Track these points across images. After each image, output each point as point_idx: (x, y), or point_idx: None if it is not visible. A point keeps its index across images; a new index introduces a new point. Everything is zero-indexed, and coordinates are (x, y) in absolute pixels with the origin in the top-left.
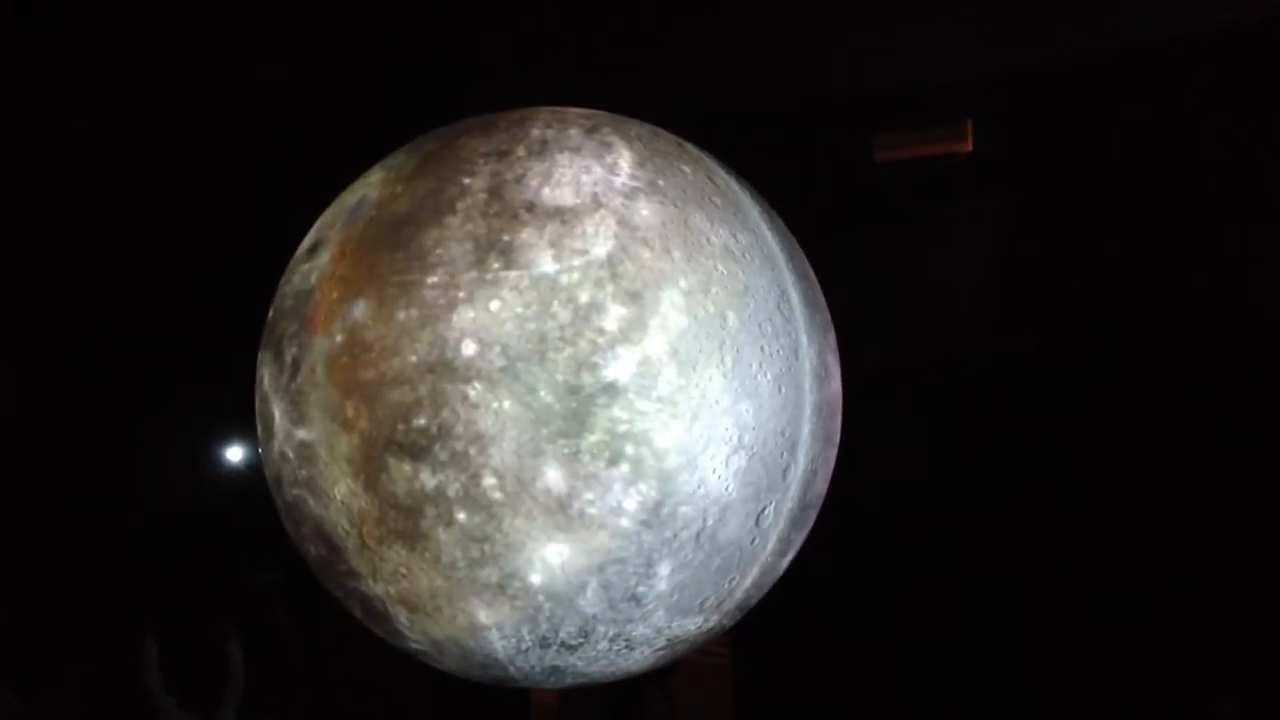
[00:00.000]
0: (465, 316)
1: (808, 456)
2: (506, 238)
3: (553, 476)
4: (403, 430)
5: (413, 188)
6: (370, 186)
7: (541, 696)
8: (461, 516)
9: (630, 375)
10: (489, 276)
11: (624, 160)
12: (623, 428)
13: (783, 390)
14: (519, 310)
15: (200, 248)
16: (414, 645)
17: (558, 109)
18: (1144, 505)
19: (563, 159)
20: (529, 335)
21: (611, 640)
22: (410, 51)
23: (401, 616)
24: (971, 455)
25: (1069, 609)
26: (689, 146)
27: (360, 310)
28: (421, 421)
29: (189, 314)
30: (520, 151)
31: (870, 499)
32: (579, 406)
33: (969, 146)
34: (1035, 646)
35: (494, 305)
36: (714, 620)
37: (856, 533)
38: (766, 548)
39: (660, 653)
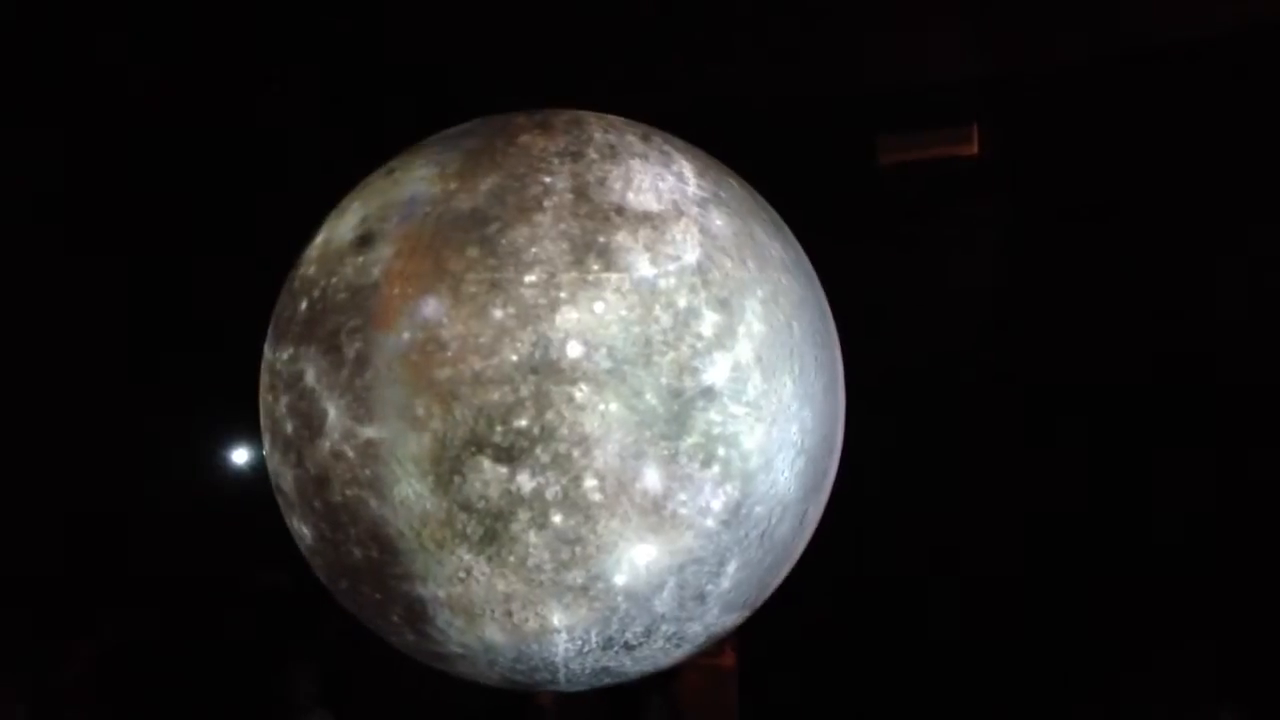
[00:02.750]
0: (569, 317)
1: (836, 461)
2: (602, 239)
3: (651, 478)
4: (500, 431)
5: (474, 184)
6: (417, 181)
7: (540, 699)
8: (557, 519)
9: (725, 380)
10: (590, 278)
11: (687, 170)
12: (717, 430)
13: (828, 397)
14: (623, 313)
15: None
16: (451, 649)
17: (582, 112)
18: (1148, 506)
19: (635, 165)
20: (634, 338)
21: (668, 639)
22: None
23: (448, 620)
24: (977, 459)
25: (1073, 611)
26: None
27: (433, 307)
28: (523, 423)
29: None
30: (592, 154)
31: (875, 504)
32: (680, 409)
33: (974, 149)
34: (1039, 648)
35: (598, 307)
36: (744, 617)
37: (861, 537)
38: (801, 547)
39: (693, 650)
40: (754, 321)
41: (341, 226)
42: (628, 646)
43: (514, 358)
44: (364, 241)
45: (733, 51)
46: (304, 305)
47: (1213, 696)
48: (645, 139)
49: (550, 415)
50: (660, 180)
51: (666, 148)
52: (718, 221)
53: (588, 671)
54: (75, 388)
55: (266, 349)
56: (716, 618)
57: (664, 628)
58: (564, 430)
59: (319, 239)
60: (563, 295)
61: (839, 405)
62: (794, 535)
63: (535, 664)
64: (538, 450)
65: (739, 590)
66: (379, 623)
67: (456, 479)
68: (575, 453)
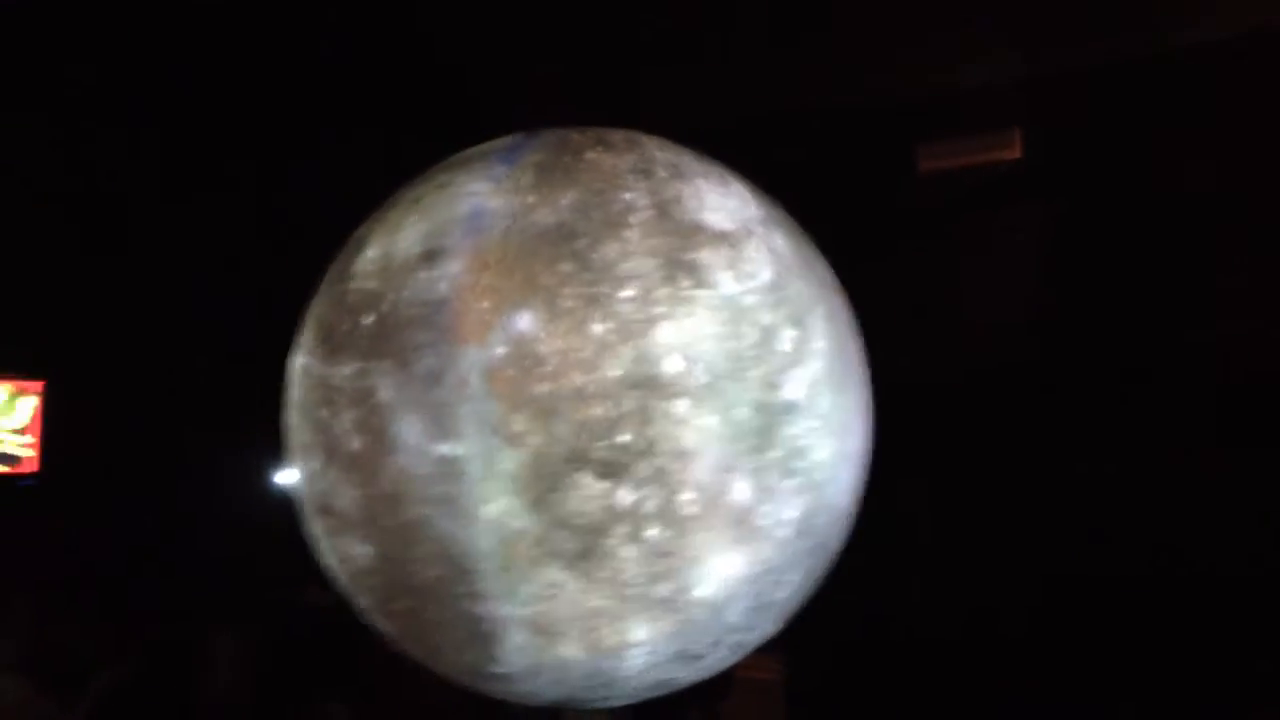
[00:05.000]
0: (667, 333)
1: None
2: (689, 256)
3: (740, 490)
4: (602, 447)
5: (552, 199)
6: (479, 195)
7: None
8: (652, 533)
9: (803, 394)
10: (683, 294)
11: (744, 190)
12: (798, 443)
13: (867, 412)
14: (716, 329)
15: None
16: (515, 670)
17: (631, 132)
18: (1190, 515)
19: (703, 184)
20: (727, 353)
21: (730, 649)
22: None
23: (520, 640)
24: (1022, 467)
25: (1121, 629)
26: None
27: (526, 321)
28: (625, 437)
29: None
30: (661, 172)
31: (921, 515)
32: (767, 423)
33: (1017, 153)
34: (1087, 671)
35: (692, 323)
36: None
37: (911, 549)
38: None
39: (734, 661)
40: (821, 339)
41: (400, 240)
42: (694, 658)
43: (616, 373)
44: (431, 256)
45: (769, 62)
46: (369, 320)
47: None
48: (699, 159)
49: (651, 430)
50: (727, 200)
51: (718, 168)
52: (779, 242)
53: (647, 685)
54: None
55: (314, 363)
56: (770, 628)
57: (730, 638)
58: (664, 445)
59: (371, 252)
60: (659, 311)
61: (870, 422)
62: (837, 545)
63: (603, 680)
64: (639, 465)
65: (792, 600)
66: (430, 646)
67: (554, 495)
68: (674, 466)
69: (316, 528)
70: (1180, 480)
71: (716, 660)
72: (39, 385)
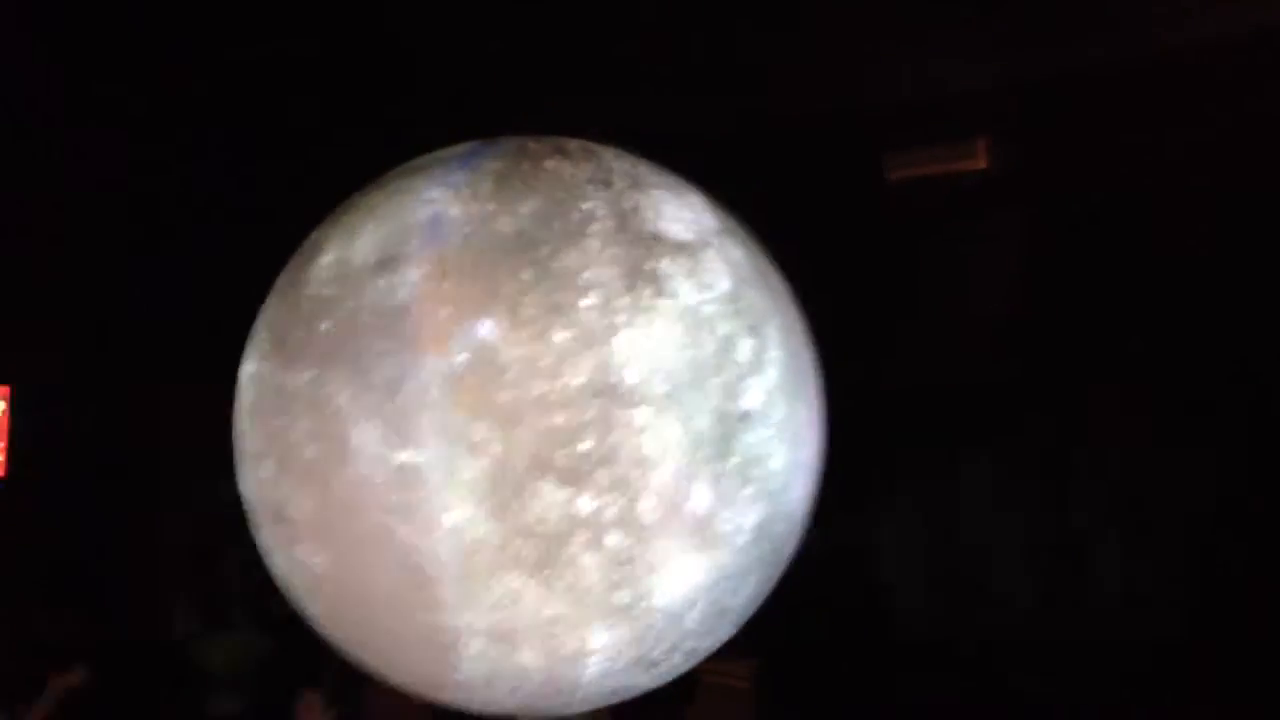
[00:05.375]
0: (628, 341)
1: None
2: (649, 266)
3: (700, 498)
4: (564, 454)
5: (513, 208)
6: (437, 203)
7: None
8: (612, 540)
9: (759, 403)
10: (643, 303)
11: (699, 200)
12: (753, 451)
13: (818, 423)
14: (676, 338)
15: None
16: (473, 678)
17: (564, 140)
18: (1172, 517)
19: (659, 195)
20: (687, 363)
21: (684, 655)
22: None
23: (478, 649)
24: (992, 474)
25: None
26: None
27: (488, 329)
28: (587, 445)
29: None
30: (619, 182)
31: (894, 521)
32: (726, 431)
33: (982, 163)
34: (1067, 675)
35: (653, 332)
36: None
37: (880, 556)
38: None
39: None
40: (776, 349)
41: (356, 246)
42: (651, 664)
43: (577, 381)
44: (389, 263)
45: (733, 71)
46: (325, 326)
47: None
48: (655, 169)
49: (613, 438)
50: (684, 210)
51: (673, 178)
52: (734, 253)
53: (604, 692)
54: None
55: (267, 369)
56: (725, 634)
57: (686, 644)
58: (625, 452)
59: (326, 258)
60: (620, 319)
61: (822, 431)
62: (790, 553)
63: (559, 687)
64: (599, 473)
65: (747, 607)
66: (385, 655)
67: (515, 503)
68: (634, 474)
69: (268, 536)
70: (1155, 483)
71: (672, 667)
72: (4, 390)
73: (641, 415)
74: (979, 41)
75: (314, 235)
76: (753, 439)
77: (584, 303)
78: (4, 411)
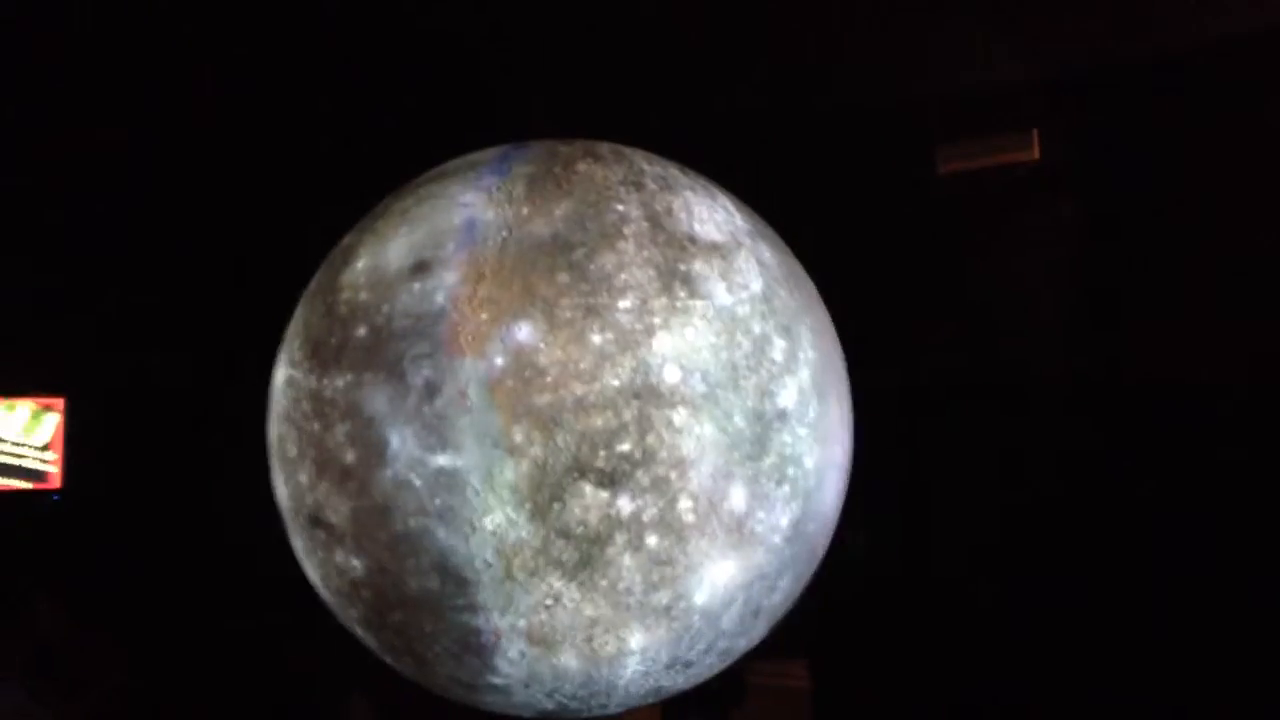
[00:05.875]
0: (665, 343)
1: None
2: (683, 268)
3: (737, 497)
4: (603, 456)
5: (547, 210)
6: (472, 207)
7: None
8: (652, 541)
9: (794, 403)
10: (679, 304)
11: (730, 203)
12: (788, 451)
13: (851, 422)
14: (712, 339)
15: None
16: (511, 680)
17: (616, 145)
18: (1239, 509)
19: (691, 196)
20: (723, 363)
21: (718, 655)
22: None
23: (517, 651)
24: (1050, 468)
25: (1156, 625)
26: None
27: (526, 333)
28: (625, 447)
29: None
30: (651, 185)
31: (948, 516)
32: (762, 431)
33: (1035, 155)
34: (1119, 669)
35: (689, 333)
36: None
37: (937, 551)
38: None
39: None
40: (809, 349)
41: (390, 251)
42: (686, 665)
43: (616, 382)
44: (424, 267)
45: (786, 65)
46: (361, 332)
47: None
48: (685, 171)
49: (651, 439)
50: (715, 213)
51: (703, 181)
52: (766, 254)
53: (642, 692)
54: None
55: (301, 375)
56: (759, 634)
57: (720, 644)
58: (663, 453)
59: (361, 264)
60: (656, 321)
61: (852, 430)
62: (823, 551)
63: (598, 688)
64: (639, 474)
65: (781, 605)
66: (422, 659)
67: (556, 505)
68: (673, 475)
69: (304, 541)
70: (1206, 481)
71: (706, 667)
72: (60, 402)
73: (679, 416)
74: (1031, 32)
75: (345, 241)
76: (788, 438)
77: (621, 304)
78: (60, 424)
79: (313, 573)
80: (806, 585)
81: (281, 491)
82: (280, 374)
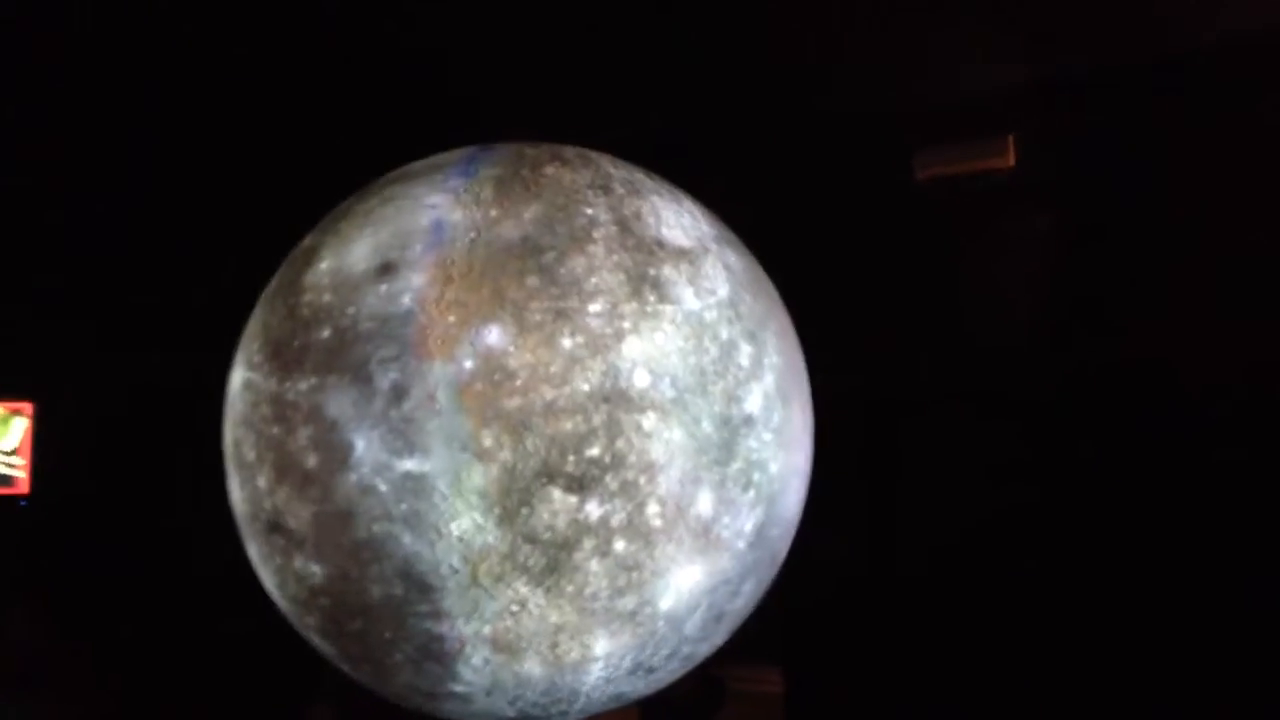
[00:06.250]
0: (635, 347)
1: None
2: (653, 272)
3: (704, 503)
4: (573, 460)
5: (515, 213)
6: (437, 208)
7: None
8: (620, 546)
9: (759, 408)
10: (649, 309)
11: (696, 209)
12: (754, 456)
13: (812, 427)
14: (681, 344)
15: None
16: (474, 688)
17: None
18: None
19: (658, 201)
20: (692, 368)
21: (681, 661)
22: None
23: (481, 658)
24: (1023, 475)
25: (1128, 631)
26: None
27: (496, 336)
28: (595, 451)
29: None
30: (619, 189)
31: (923, 524)
32: (729, 436)
33: (1010, 162)
34: (1103, 679)
35: (658, 338)
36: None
37: (911, 558)
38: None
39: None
40: (774, 354)
41: (354, 252)
42: (649, 670)
43: (586, 387)
44: (390, 269)
45: (762, 70)
46: (324, 334)
47: None
48: (649, 175)
49: (621, 443)
50: (682, 218)
51: (668, 186)
52: (732, 259)
53: (604, 699)
54: None
55: (261, 378)
56: (720, 639)
57: (684, 649)
58: (633, 458)
59: (324, 265)
60: (626, 325)
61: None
62: (783, 555)
63: (560, 695)
64: (608, 478)
65: (743, 610)
66: (381, 666)
67: (524, 510)
68: (642, 479)
69: (261, 547)
70: (1180, 489)
71: (668, 673)
72: (28, 406)
73: (649, 421)
74: (1008, 38)
75: (305, 243)
76: (754, 444)
77: (591, 308)
78: (28, 429)
79: (269, 579)
80: (767, 590)
81: (237, 496)
82: (238, 377)
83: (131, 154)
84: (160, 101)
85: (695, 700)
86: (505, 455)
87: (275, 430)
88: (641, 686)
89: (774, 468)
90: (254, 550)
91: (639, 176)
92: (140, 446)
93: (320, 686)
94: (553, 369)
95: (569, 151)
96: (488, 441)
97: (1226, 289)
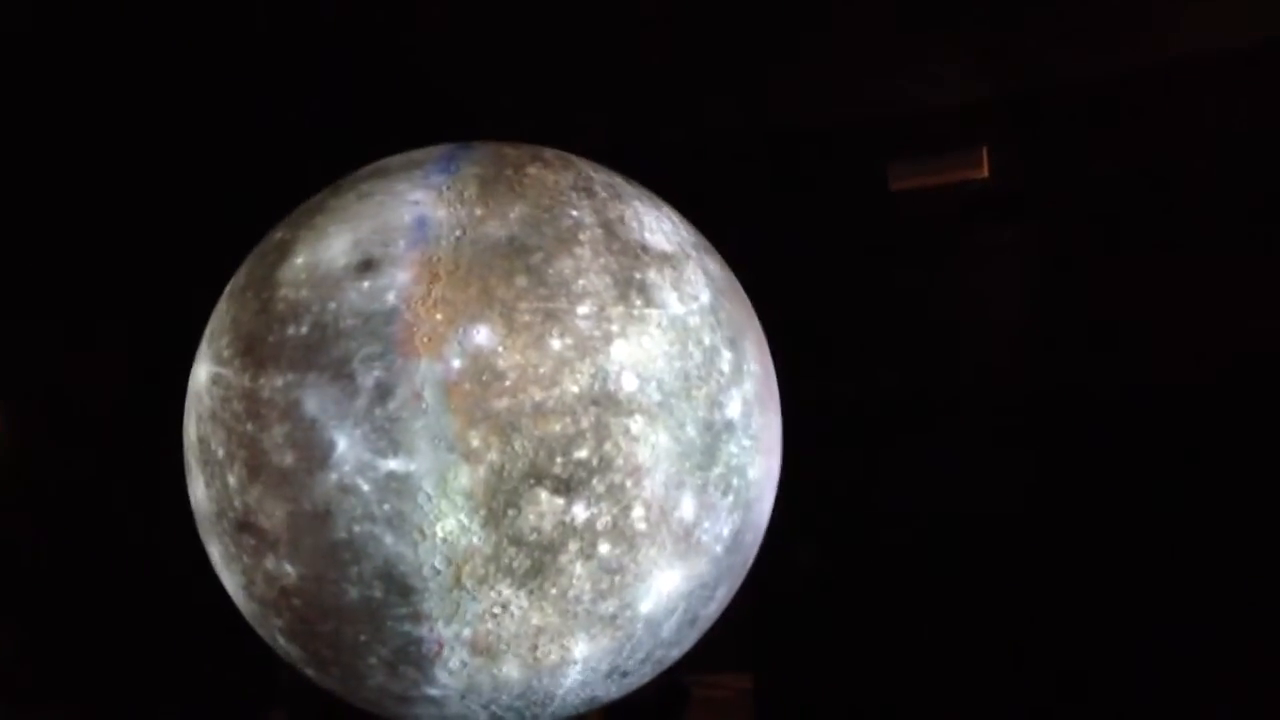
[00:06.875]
0: (623, 350)
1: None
2: (638, 276)
3: (687, 507)
4: (560, 462)
5: (501, 212)
6: (418, 205)
7: None
8: (604, 549)
9: (739, 414)
10: (635, 313)
11: (674, 215)
12: (734, 461)
13: (782, 434)
14: (666, 348)
15: None
16: (447, 691)
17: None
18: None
19: (640, 206)
20: (677, 373)
21: (654, 664)
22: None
23: (459, 661)
24: (999, 486)
25: (1102, 633)
26: None
27: (484, 335)
28: (582, 453)
29: None
30: (601, 192)
31: (894, 533)
32: (711, 441)
33: (984, 173)
34: (1071, 679)
35: (645, 341)
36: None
37: (881, 567)
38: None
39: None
40: (752, 361)
41: (332, 247)
42: (622, 674)
43: (575, 389)
44: (371, 265)
45: (735, 84)
46: (302, 330)
47: None
48: (627, 180)
49: (608, 446)
50: (663, 223)
51: (648, 192)
52: (711, 266)
53: (578, 702)
54: None
55: (232, 374)
56: (691, 642)
57: (657, 653)
58: (620, 461)
59: (300, 259)
60: (614, 328)
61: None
62: (754, 560)
63: (536, 698)
64: (594, 481)
65: (714, 615)
66: (352, 669)
67: (511, 512)
68: (628, 483)
69: (226, 547)
70: (1162, 494)
71: (640, 677)
72: None
73: (636, 424)
74: (982, 50)
75: (276, 236)
76: (734, 449)
77: (580, 310)
78: None
79: (232, 580)
80: (735, 595)
81: (201, 495)
82: (203, 372)
83: (89, 150)
84: (119, 96)
85: (660, 704)
86: (493, 456)
87: (248, 427)
88: (614, 690)
89: (752, 473)
90: (217, 550)
91: (618, 180)
92: (97, 444)
93: (277, 690)
94: (542, 370)
95: (548, 153)
96: (475, 442)
97: (1201, 296)
